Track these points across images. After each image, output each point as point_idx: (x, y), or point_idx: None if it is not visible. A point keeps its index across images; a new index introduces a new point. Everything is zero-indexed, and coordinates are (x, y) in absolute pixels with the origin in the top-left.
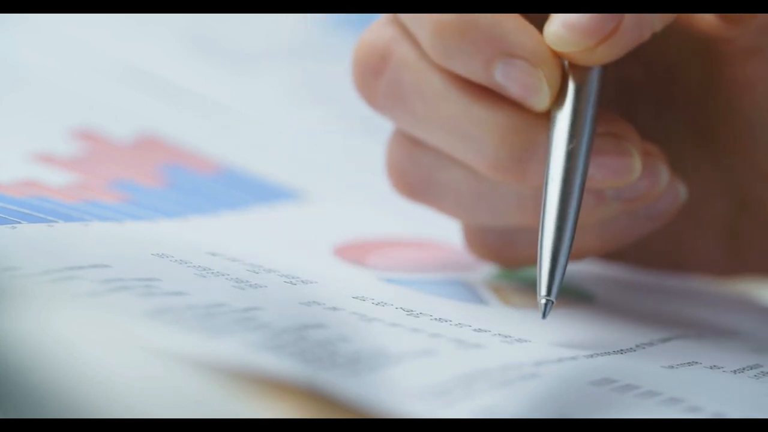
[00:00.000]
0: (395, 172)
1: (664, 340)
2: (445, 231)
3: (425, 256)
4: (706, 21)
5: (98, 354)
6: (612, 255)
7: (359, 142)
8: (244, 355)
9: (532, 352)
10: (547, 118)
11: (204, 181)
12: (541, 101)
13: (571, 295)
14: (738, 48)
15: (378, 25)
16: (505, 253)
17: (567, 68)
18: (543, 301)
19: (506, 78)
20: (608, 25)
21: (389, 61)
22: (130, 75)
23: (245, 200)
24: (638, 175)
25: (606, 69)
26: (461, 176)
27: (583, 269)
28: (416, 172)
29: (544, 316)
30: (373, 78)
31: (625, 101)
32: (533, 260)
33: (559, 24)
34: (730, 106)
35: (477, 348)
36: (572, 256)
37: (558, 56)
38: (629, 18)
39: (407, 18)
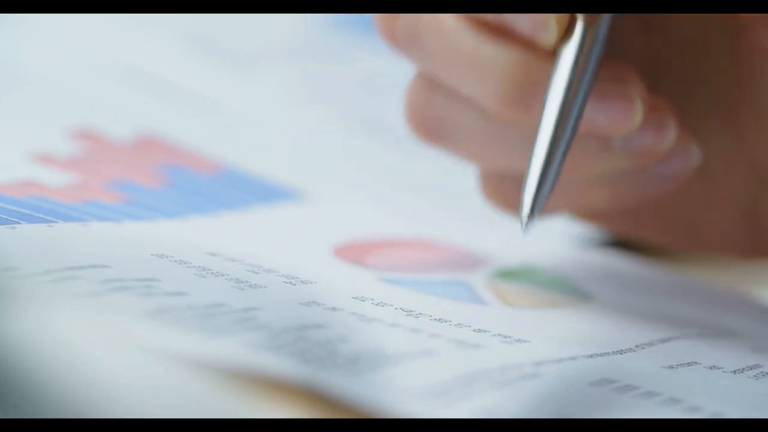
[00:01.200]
0: (413, 115)
1: (664, 341)
2: (445, 231)
3: (425, 256)
4: None
5: (98, 354)
6: (632, 228)
7: (359, 142)
8: (244, 356)
9: (531, 352)
10: (554, 57)
11: (204, 181)
12: (548, 38)
13: (570, 295)
14: (756, 16)
15: None
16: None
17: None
18: (525, 220)
19: (515, 14)
20: None
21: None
22: (130, 75)
23: (245, 200)
24: (638, 121)
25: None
26: (475, 117)
27: (582, 268)
28: (433, 114)
29: (524, 231)
30: (392, 17)
31: (650, 76)
32: (547, 210)
33: None
34: (754, 79)
35: (477, 348)
36: (587, 214)
37: None
38: None
39: None
